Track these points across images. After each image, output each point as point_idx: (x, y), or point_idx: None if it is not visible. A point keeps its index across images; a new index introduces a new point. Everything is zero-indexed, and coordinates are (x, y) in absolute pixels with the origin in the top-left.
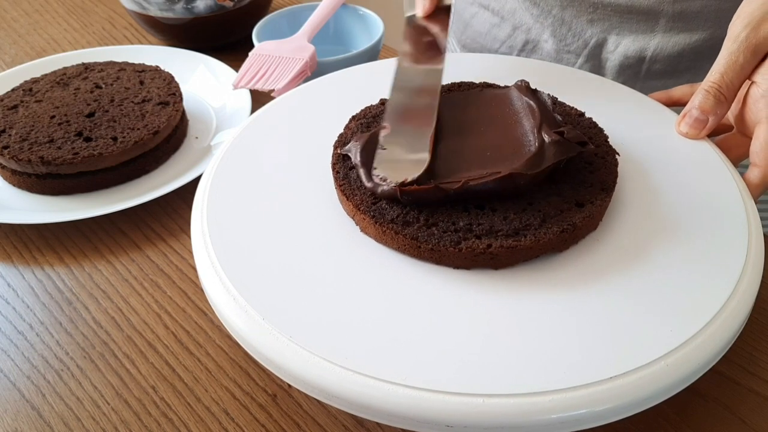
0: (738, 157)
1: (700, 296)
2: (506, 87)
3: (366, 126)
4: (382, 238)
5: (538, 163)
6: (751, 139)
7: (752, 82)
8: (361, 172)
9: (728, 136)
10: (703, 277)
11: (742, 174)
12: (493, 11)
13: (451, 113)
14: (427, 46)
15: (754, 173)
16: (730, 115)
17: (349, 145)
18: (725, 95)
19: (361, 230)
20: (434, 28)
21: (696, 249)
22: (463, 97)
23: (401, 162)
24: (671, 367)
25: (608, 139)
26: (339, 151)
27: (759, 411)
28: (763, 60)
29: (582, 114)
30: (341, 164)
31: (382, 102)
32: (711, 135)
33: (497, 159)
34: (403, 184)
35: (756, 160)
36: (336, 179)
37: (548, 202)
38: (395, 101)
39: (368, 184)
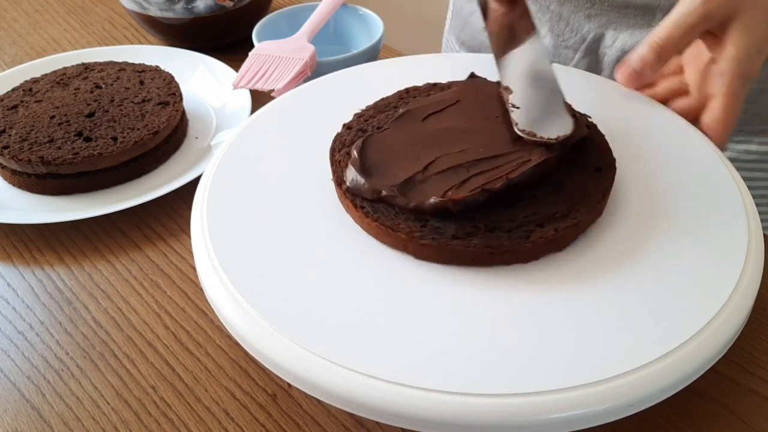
0: (693, 121)
1: (700, 296)
2: (454, 83)
3: (360, 131)
4: (438, 256)
5: (564, 141)
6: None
7: (711, 58)
8: (399, 200)
9: (687, 101)
10: (703, 277)
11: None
12: None
13: (424, 125)
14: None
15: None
16: (691, 83)
17: (357, 180)
18: (667, 51)
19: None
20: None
21: (696, 249)
22: (428, 104)
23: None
24: (671, 367)
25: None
26: (348, 187)
27: (759, 411)
28: (720, 36)
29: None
30: (358, 200)
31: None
32: (662, 98)
33: (500, 151)
34: (447, 197)
35: (707, 130)
36: (365, 217)
37: (571, 183)
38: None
39: (411, 205)
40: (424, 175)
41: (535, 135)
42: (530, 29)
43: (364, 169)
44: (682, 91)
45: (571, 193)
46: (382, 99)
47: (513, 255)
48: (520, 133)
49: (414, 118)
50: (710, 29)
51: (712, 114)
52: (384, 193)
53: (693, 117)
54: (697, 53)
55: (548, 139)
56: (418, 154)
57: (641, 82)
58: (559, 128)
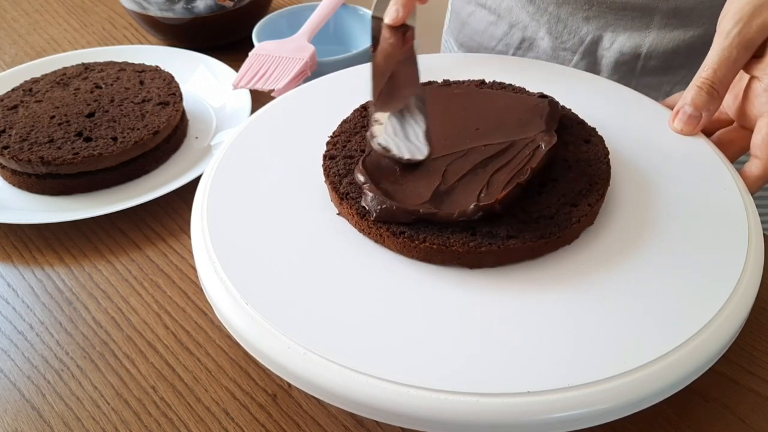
0: (737, 151)
1: (700, 296)
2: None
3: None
4: (494, 260)
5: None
6: (752, 132)
7: (752, 77)
8: (441, 215)
9: (728, 130)
10: (703, 277)
11: (739, 169)
12: (489, 9)
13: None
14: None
15: (755, 164)
16: (729, 110)
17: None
18: (717, 90)
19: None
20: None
21: (696, 249)
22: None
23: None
24: (671, 366)
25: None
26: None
27: (759, 411)
28: (760, 55)
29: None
30: (394, 227)
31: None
32: (707, 131)
33: (501, 145)
34: (487, 200)
35: (757, 152)
36: (411, 241)
37: (574, 159)
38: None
39: (455, 216)
40: (446, 186)
41: (389, 151)
42: (413, 76)
43: (387, 194)
44: (721, 122)
45: (580, 168)
46: (345, 121)
47: (562, 240)
48: (376, 147)
49: None
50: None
51: (760, 133)
52: (422, 211)
53: (737, 146)
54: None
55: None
56: (427, 166)
57: (700, 127)
58: (412, 151)
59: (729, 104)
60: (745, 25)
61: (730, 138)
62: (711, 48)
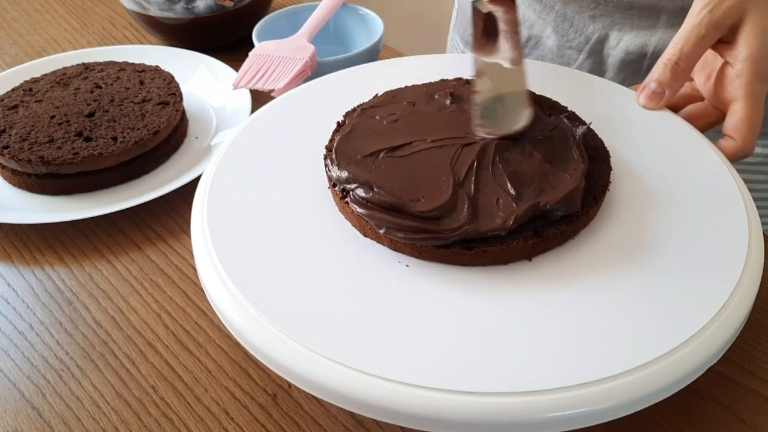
0: (706, 126)
1: (700, 296)
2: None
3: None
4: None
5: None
6: (724, 113)
7: (725, 62)
8: (493, 232)
9: (699, 106)
10: (703, 277)
11: (714, 140)
12: None
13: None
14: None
15: (729, 144)
16: (702, 89)
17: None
18: (683, 67)
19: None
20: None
21: (696, 249)
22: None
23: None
24: (671, 366)
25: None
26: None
27: (759, 411)
28: (731, 41)
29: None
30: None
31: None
32: (675, 107)
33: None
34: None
35: (732, 134)
36: (478, 255)
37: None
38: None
39: (497, 224)
40: (475, 198)
41: (491, 133)
42: (515, 26)
43: (428, 220)
44: (694, 97)
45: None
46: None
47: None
48: (476, 130)
49: (401, 151)
50: (722, 38)
51: (734, 117)
52: (466, 229)
53: (705, 122)
54: (705, 60)
55: (501, 135)
56: (444, 174)
57: (663, 103)
58: (513, 124)
59: (701, 83)
60: (716, 6)
61: (700, 113)
62: (682, 25)
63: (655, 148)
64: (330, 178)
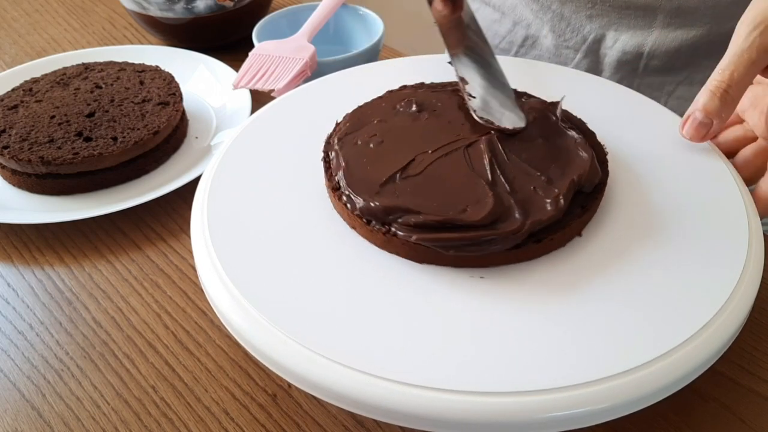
0: (762, 169)
1: (700, 296)
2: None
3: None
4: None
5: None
6: None
7: None
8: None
9: (755, 146)
10: (703, 277)
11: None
12: (494, 7)
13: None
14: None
15: None
16: (758, 127)
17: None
18: (732, 95)
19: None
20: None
21: (696, 249)
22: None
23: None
24: (671, 366)
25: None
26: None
27: (759, 411)
28: None
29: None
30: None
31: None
32: (728, 150)
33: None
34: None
35: None
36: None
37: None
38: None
39: (552, 209)
40: (514, 192)
41: (492, 123)
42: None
43: (485, 227)
44: (747, 139)
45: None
46: None
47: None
48: (479, 120)
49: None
50: None
51: None
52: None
53: (763, 162)
54: (754, 95)
55: (504, 129)
56: (470, 179)
57: (710, 135)
58: (513, 120)
59: (755, 120)
60: (767, 28)
61: (759, 153)
62: (727, 50)
63: (653, 149)
64: (359, 215)
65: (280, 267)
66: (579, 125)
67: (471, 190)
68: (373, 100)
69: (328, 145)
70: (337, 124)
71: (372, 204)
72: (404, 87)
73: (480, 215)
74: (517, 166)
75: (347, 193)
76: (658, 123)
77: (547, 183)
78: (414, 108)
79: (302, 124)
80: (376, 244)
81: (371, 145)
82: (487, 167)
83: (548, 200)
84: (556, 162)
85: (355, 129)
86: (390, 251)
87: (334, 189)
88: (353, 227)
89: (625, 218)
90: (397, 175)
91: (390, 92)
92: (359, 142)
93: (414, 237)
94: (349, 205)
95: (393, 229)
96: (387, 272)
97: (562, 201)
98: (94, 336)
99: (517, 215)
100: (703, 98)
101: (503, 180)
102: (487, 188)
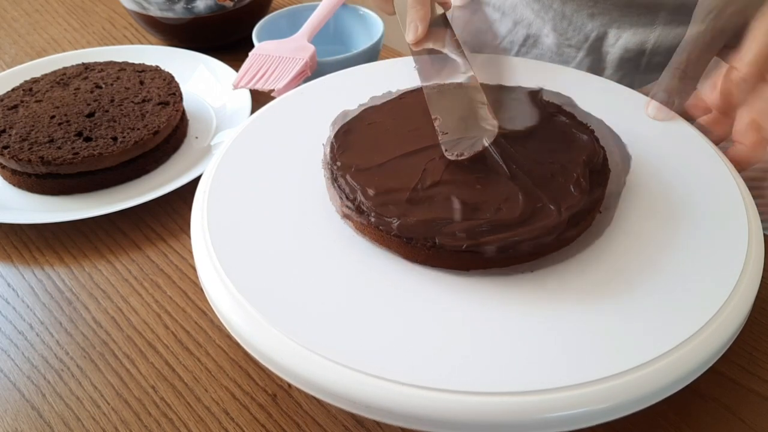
0: (719, 137)
1: (700, 296)
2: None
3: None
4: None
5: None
6: (733, 120)
7: (730, 67)
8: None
9: (708, 117)
10: (703, 277)
11: (724, 149)
12: (494, 6)
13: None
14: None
15: (739, 149)
16: (708, 99)
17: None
18: (690, 74)
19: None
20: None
21: (696, 249)
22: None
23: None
24: (671, 366)
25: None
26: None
27: (759, 411)
28: (735, 45)
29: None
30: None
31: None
32: (686, 118)
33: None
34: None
35: (741, 139)
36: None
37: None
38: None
39: (578, 193)
40: (538, 184)
41: (463, 155)
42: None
43: (521, 224)
44: (700, 108)
45: (583, 140)
46: None
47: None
48: (449, 157)
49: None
50: (726, 44)
51: (742, 122)
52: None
53: (718, 133)
54: (707, 69)
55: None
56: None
57: (672, 112)
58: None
59: (707, 93)
60: (720, 12)
61: (711, 124)
62: (686, 34)
63: (653, 149)
64: (398, 234)
65: (280, 267)
66: (560, 110)
67: (495, 188)
68: (360, 113)
69: (332, 171)
70: (332, 147)
71: (409, 221)
72: (390, 92)
73: (516, 212)
74: (527, 157)
75: (375, 214)
76: (657, 124)
77: (562, 168)
78: (396, 118)
79: (302, 124)
80: (417, 262)
81: (376, 162)
82: (501, 162)
83: (573, 186)
84: (560, 147)
85: (349, 147)
86: (433, 265)
87: (359, 212)
88: (387, 247)
89: (624, 220)
90: (418, 186)
91: (373, 98)
92: (363, 162)
93: (465, 245)
94: (382, 228)
95: (438, 241)
96: (386, 273)
97: (583, 182)
98: (94, 336)
99: (551, 205)
100: (663, 79)
101: (522, 173)
102: (511, 183)
